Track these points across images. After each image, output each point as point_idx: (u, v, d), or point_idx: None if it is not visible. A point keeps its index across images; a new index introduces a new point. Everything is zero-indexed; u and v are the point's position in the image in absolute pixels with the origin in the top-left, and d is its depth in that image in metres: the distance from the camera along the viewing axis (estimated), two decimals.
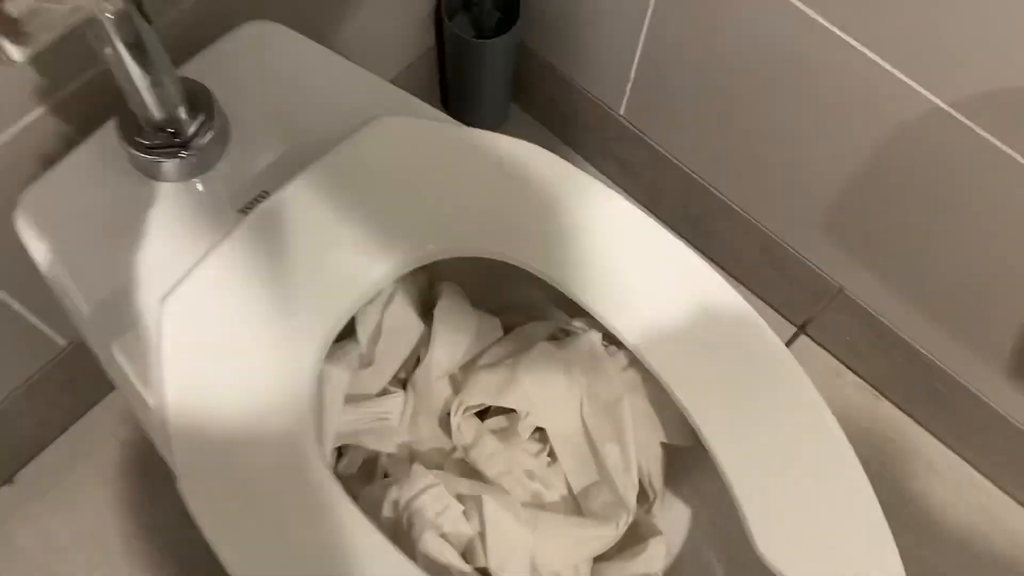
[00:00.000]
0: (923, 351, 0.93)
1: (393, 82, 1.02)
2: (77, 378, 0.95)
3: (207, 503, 0.52)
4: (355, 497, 0.58)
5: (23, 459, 0.98)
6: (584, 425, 0.61)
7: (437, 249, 0.58)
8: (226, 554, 0.51)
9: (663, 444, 0.63)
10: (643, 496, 0.62)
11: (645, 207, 1.11)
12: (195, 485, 0.52)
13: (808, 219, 0.92)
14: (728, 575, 0.60)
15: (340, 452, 0.64)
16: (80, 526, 0.96)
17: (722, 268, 1.09)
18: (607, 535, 0.59)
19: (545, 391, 0.61)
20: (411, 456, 0.62)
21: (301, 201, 0.58)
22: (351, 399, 0.62)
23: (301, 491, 0.52)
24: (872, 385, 1.04)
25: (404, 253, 0.58)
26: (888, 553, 0.52)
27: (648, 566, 0.58)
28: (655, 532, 0.60)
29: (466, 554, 0.57)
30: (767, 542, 0.51)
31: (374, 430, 0.61)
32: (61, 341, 0.89)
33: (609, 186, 1.11)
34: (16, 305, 0.81)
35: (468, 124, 1.11)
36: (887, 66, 0.70)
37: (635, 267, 0.59)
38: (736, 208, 0.99)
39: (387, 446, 0.62)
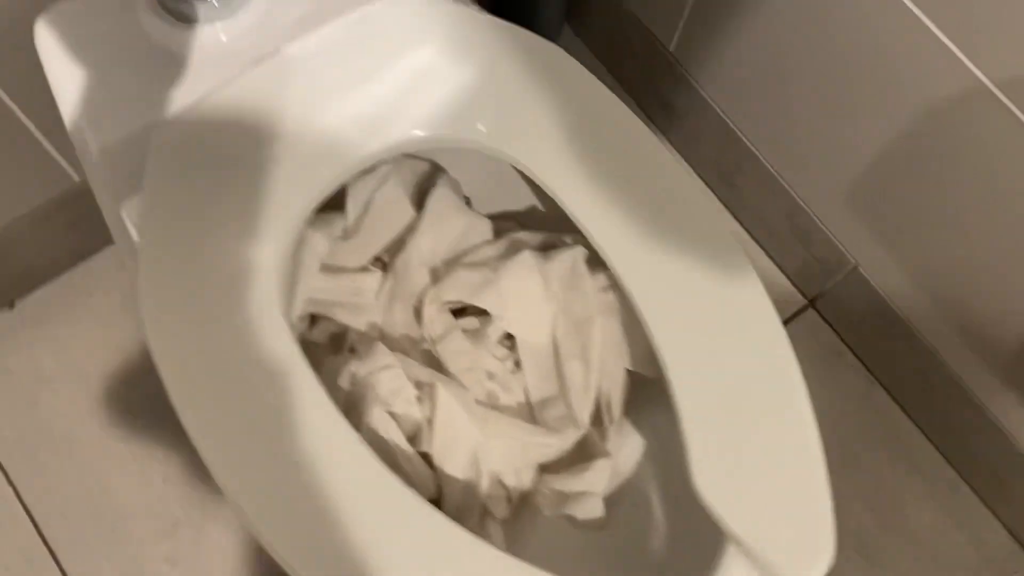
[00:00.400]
0: (927, 343, 0.91)
1: None
2: (86, 218, 0.96)
3: (166, 345, 0.52)
4: (319, 365, 0.58)
5: (24, 288, 1.00)
6: (554, 338, 0.61)
7: (426, 137, 0.58)
8: (176, 398, 0.52)
9: (629, 372, 0.62)
10: (600, 419, 0.62)
11: (680, 153, 1.09)
12: (157, 331, 0.52)
13: (836, 189, 0.89)
14: (664, 510, 0.60)
15: (314, 320, 0.64)
16: (69, 361, 0.99)
17: (745, 228, 1.07)
18: (553, 444, 0.59)
19: (521, 298, 0.60)
20: (380, 337, 0.62)
21: (307, 62, 0.58)
22: (330, 269, 0.62)
23: (258, 348, 0.53)
24: (869, 369, 1.02)
25: (398, 135, 0.58)
26: (822, 515, 0.51)
27: (590, 484, 0.58)
28: (603, 454, 0.60)
29: (413, 438, 0.58)
30: (704, 477, 0.51)
31: (347, 304, 0.61)
32: (75, 177, 0.90)
33: (648, 127, 1.11)
34: (35, 131, 0.81)
35: None
36: (938, 32, 0.67)
37: (633, 189, 0.58)
38: (769, 168, 0.97)
39: (358, 323, 0.62)
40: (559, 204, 0.57)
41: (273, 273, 0.54)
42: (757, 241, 1.07)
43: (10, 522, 0.93)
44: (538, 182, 0.57)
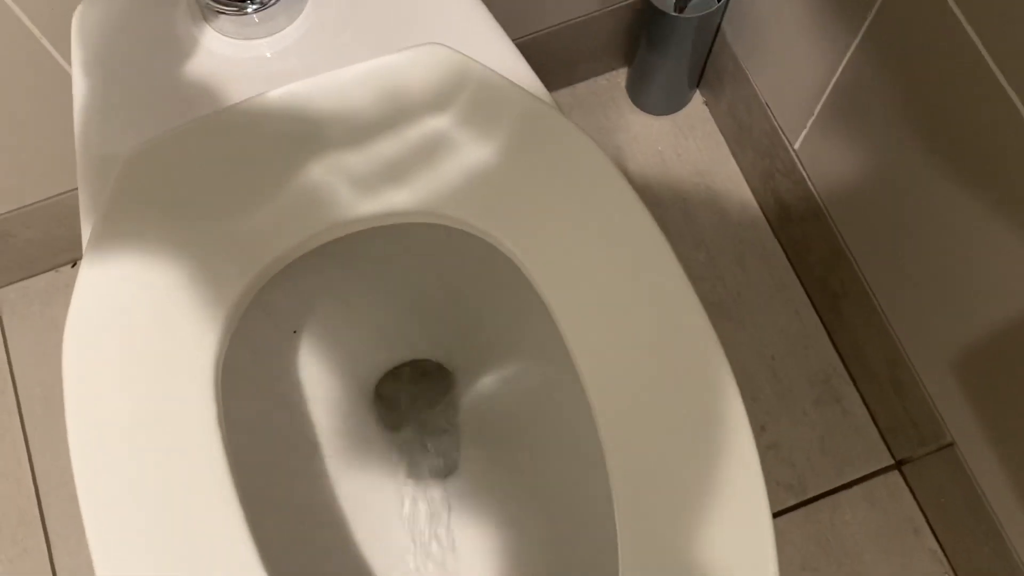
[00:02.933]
0: (1017, 559, 0.75)
1: (593, 18, 0.93)
2: None
3: (79, 388, 0.47)
4: None
5: None
6: None
7: (420, 210, 0.50)
8: (75, 447, 0.47)
9: None
10: None
11: (788, 257, 0.97)
12: (74, 371, 0.48)
13: (946, 352, 0.75)
14: None
15: None
16: None
17: (843, 361, 0.93)
18: None
19: None
20: None
21: (314, 102, 0.52)
22: None
23: (175, 430, 0.47)
24: (948, 559, 0.87)
25: (391, 203, 0.50)
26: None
27: None
28: None
29: None
30: None
31: None
32: None
33: (759, 222, 0.99)
34: None
35: (642, 97, 1.02)
36: None
37: (632, 317, 0.49)
38: (876, 303, 0.83)
39: None
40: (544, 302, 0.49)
41: (215, 330, 0.48)
42: (853, 379, 0.93)
43: (16, 486, 0.93)
44: (524, 272, 0.50)
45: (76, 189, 0.93)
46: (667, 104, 1.04)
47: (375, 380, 0.71)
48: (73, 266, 1.01)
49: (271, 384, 0.61)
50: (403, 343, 0.72)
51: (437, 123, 0.51)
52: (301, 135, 0.51)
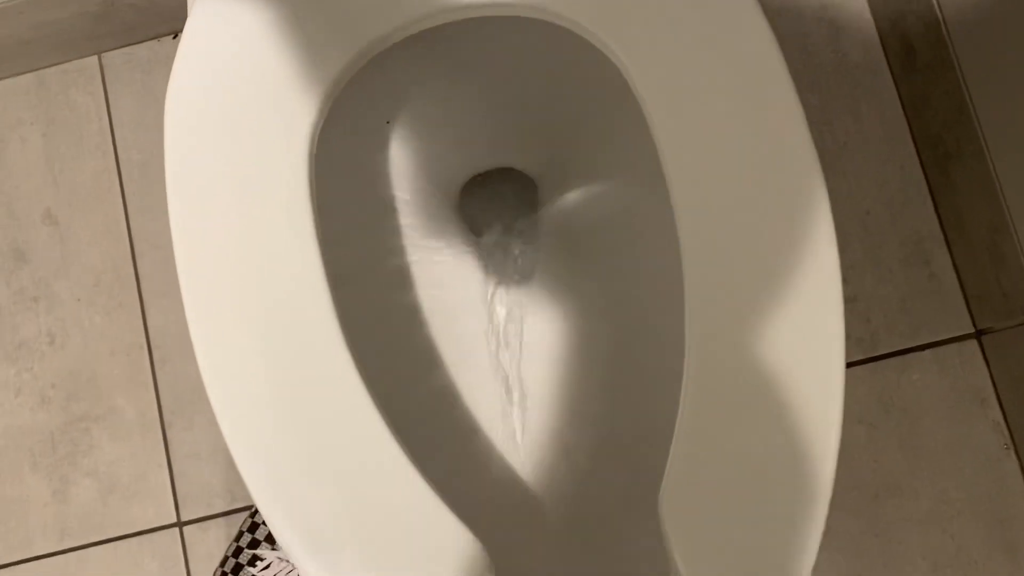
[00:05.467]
0: None
1: None
2: None
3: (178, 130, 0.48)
4: None
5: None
6: None
7: (537, 6, 0.48)
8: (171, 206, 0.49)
9: None
10: None
11: (905, 113, 0.92)
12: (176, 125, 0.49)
13: None
14: None
15: None
16: None
17: (940, 223, 0.90)
18: None
19: None
20: None
21: None
22: None
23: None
24: (1012, 434, 0.86)
25: None
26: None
27: None
28: None
29: None
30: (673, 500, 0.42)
31: None
32: None
33: (880, 68, 0.93)
34: None
35: None
36: None
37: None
38: (991, 168, 0.79)
39: None
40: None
41: (314, 101, 0.48)
42: (948, 243, 0.89)
43: (114, 244, 0.97)
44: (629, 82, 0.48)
45: None
46: None
47: (462, 182, 0.71)
48: (174, 37, 1.01)
49: (362, 169, 0.62)
50: (492, 149, 0.71)
51: None
52: None
